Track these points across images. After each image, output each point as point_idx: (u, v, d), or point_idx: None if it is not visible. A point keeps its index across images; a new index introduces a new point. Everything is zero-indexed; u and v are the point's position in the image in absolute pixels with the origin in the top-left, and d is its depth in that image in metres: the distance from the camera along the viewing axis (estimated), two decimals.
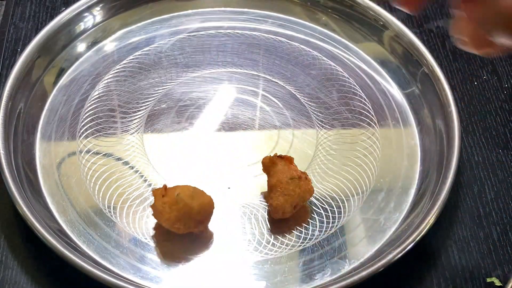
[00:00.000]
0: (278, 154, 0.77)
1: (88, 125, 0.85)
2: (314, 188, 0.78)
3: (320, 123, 0.87)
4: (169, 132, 0.85)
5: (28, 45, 0.87)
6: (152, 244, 0.75)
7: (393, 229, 0.78)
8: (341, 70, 0.93)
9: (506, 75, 0.95)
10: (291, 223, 0.78)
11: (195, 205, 0.71)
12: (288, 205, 0.75)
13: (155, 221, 0.75)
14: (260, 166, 0.78)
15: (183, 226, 0.72)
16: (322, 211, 0.79)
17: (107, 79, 0.90)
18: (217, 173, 0.81)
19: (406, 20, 1.00)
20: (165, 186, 0.73)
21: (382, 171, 0.83)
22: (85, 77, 0.90)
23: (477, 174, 0.84)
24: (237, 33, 0.97)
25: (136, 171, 0.81)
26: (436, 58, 0.90)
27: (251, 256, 0.75)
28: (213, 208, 0.73)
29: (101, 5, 0.94)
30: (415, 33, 0.93)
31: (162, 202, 0.72)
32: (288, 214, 0.76)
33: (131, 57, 0.93)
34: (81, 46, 0.93)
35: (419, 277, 0.75)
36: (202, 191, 0.73)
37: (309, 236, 0.77)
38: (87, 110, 0.86)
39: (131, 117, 0.86)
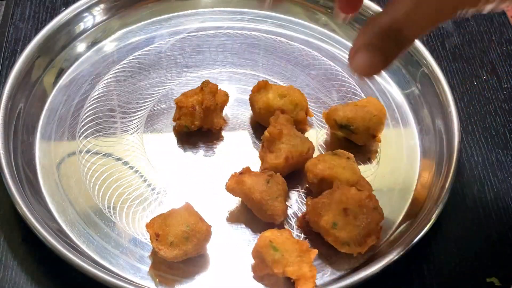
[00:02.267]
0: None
1: (87, 125, 0.85)
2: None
3: (320, 123, 0.87)
4: (169, 132, 0.85)
5: (28, 45, 0.87)
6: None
7: (393, 229, 0.78)
8: (341, 70, 0.93)
9: (505, 75, 0.95)
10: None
11: (190, 247, 0.71)
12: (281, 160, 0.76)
13: None
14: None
15: (181, 259, 0.72)
16: None
17: (107, 79, 0.90)
18: (216, 173, 0.81)
19: None
20: (156, 233, 0.71)
21: (382, 171, 0.83)
22: (85, 77, 0.90)
23: (477, 174, 0.84)
24: (237, 33, 0.97)
25: (136, 171, 0.81)
26: (435, 58, 0.90)
27: (251, 256, 0.74)
28: (210, 235, 0.72)
29: (101, 5, 0.94)
30: None
31: (156, 245, 0.71)
32: (284, 168, 0.77)
33: (131, 57, 0.93)
34: (81, 46, 0.93)
35: (419, 277, 0.75)
36: (197, 219, 0.71)
37: (309, 236, 0.76)
38: (87, 110, 0.86)
39: (131, 117, 0.86)
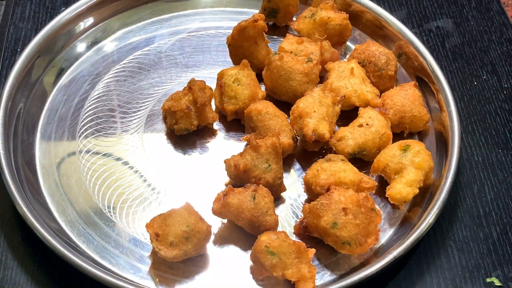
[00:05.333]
0: None
1: (88, 125, 0.85)
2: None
3: None
4: (169, 132, 0.85)
5: (28, 45, 0.87)
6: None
7: (393, 229, 0.77)
8: None
9: (505, 75, 0.94)
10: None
11: (190, 247, 0.71)
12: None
13: None
14: None
15: (181, 259, 0.72)
16: None
17: (107, 79, 0.90)
18: (216, 172, 0.81)
19: (406, 20, 1.00)
20: (156, 233, 0.70)
21: None
22: (84, 77, 0.90)
23: (477, 174, 0.84)
24: None
25: (136, 171, 0.81)
26: (435, 58, 0.90)
27: (246, 256, 0.74)
28: (210, 235, 0.72)
29: (101, 5, 0.94)
30: (415, 33, 0.93)
31: (156, 245, 0.71)
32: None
33: (131, 57, 0.92)
34: (81, 46, 0.93)
35: (419, 277, 0.75)
36: (197, 219, 0.71)
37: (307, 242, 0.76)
38: (87, 110, 0.86)
39: (131, 117, 0.86)
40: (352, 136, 0.79)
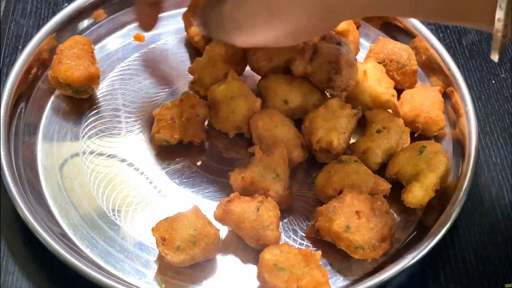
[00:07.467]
0: None
1: (91, 125, 0.84)
2: None
3: None
4: None
5: (29, 42, 0.86)
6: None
7: (408, 233, 0.77)
8: None
9: None
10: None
11: (198, 252, 0.70)
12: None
13: None
14: None
15: (189, 264, 0.71)
16: None
17: (111, 77, 0.89)
18: (224, 175, 0.79)
19: None
20: (163, 237, 0.70)
21: None
22: None
23: (495, 176, 0.83)
24: None
25: (142, 173, 0.80)
26: (452, 55, 0.89)
27: (256, 261, 0.72)
28: (219, 239, 0.72)
29: (105, 1, 0.93)
30: (430, 30, 0.92)
31: (163, 250, 0.70)
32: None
33: (136, 54, 0.91)
34: None
35: (434, 283, 0.75)
36: (204, 223, 0.70)
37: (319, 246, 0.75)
38: (90, 110, 0.85)
39: (136, 116, 0.85)
40: (376, 145, 0.78)
